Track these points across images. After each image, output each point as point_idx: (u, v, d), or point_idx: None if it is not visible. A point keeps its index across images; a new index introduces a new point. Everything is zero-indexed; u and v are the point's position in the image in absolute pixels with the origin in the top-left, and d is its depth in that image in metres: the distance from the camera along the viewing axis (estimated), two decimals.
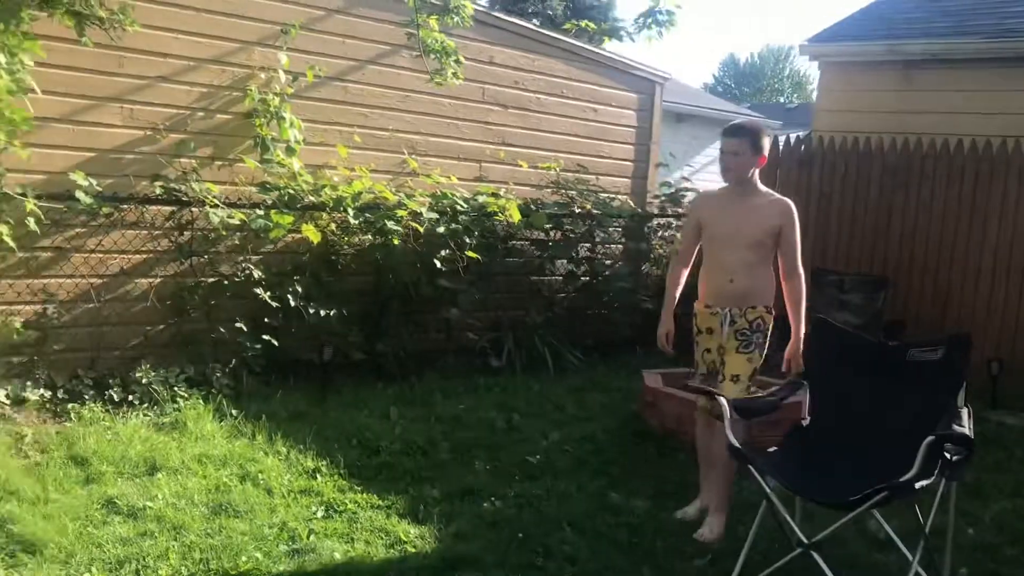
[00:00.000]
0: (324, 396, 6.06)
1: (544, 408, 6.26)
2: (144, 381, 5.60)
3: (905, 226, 7.96)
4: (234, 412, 5.48)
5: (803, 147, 8.63)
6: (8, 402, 5.17)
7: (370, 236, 6.64)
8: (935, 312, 7.73)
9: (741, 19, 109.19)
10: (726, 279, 4.36)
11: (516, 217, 6.97)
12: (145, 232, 5.93)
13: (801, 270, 4.37)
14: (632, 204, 8.62)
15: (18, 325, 5.39)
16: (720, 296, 4.39)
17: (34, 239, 5.35)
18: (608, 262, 8.38)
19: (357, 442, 5.25)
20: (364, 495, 4.50)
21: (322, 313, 6.18)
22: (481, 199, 7.17)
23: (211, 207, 5.77)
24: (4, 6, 4.24)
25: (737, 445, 3.64)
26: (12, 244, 5.01)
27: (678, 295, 4.61)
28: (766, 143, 4.30)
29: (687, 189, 8.78)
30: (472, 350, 7.27)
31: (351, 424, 5.53)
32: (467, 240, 6.78)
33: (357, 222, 6.46)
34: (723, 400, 3.82)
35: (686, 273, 4.64)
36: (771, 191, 4.46)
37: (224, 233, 6.00)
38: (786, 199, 4.38)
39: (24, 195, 4.87)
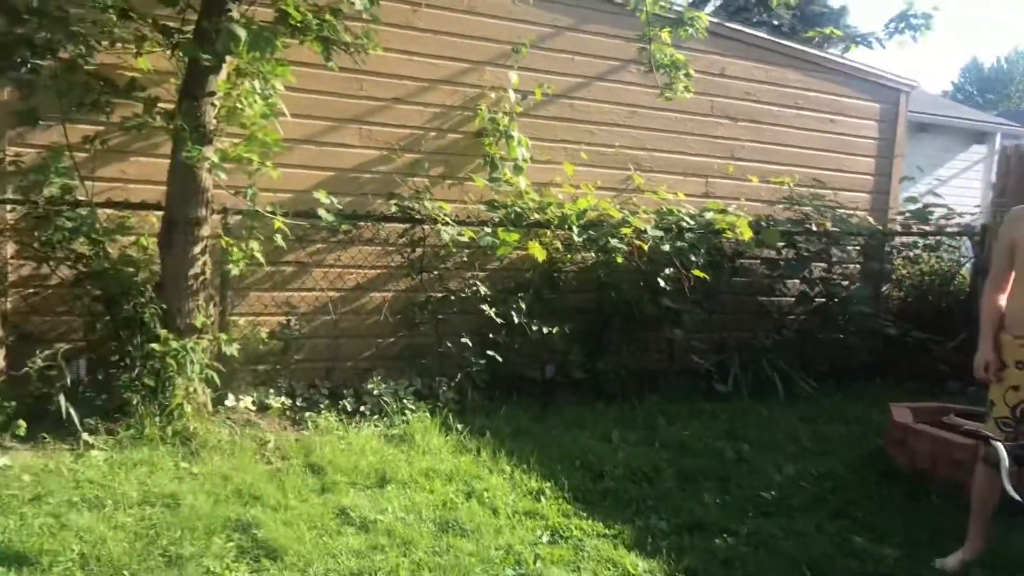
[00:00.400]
0: (545, 414, 6.01)
1: (776, 438, 5.90)
2: (375, 393, 5.77)
3: None
4: (459, 427, 5.53)
5: None
6: (254, 408, 5.48)
7: (593, 254, 6.56)
8: None
9: (983, 21, 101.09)
10: None
11: (747, 234, 6.65)
12: (379, 248, 6.15)
13: None
14: (872, 221, 8.01)
15: (264, 335, 5.71)
16: None
17: (280, 254, 5.66)
18: (844, 283, 7.84)
19: (580, 464, 5.14)
20: (589, 522, 4.36)
21: (545, 330, 6.15)
22: (708, 216, 6.90)
23: (442, 225, 5.87)
24: (261, 36, 4.48)
25: (1016, 497, 3.20)
26: (262, 259, 5.30)
27: (998, 321, 4.16)
28: None
29: (935, 205, 8.07)
30: (695, 372, 7.00)
31: (573, 445, 5.43)
32: (693, 258, 6.53)
33: (581, 239, 6.38)
34: (999, 445, 3.38)
35: (1003, 299, 4.16)
36: None
37: (454, 250, 6.11)
38: None
39: (274, 213, 5.15)
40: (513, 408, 5.98)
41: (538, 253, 6.02)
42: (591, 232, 6.43)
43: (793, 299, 7.56)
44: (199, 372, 5.04)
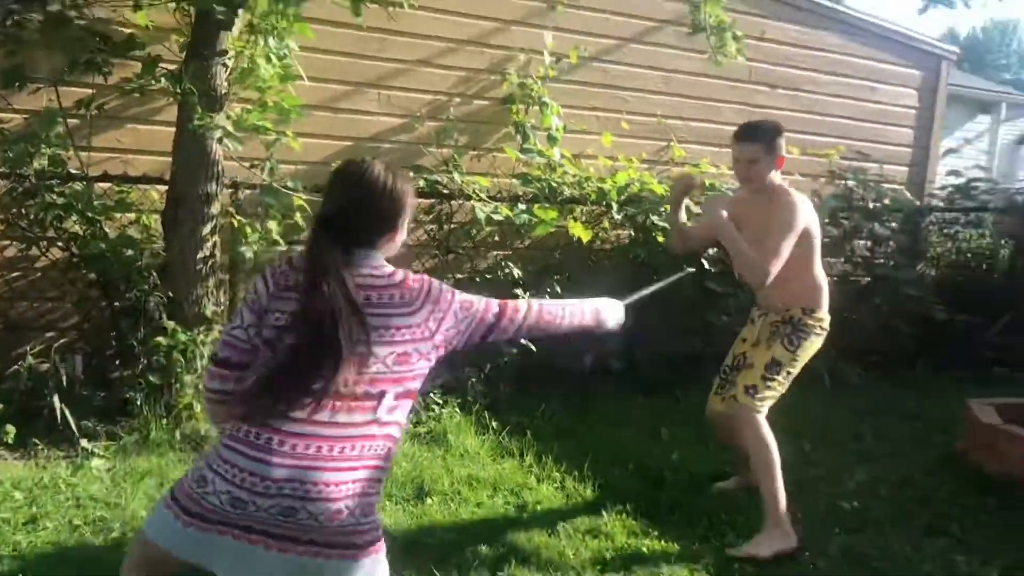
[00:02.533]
0: (586, 410, 5.52)
1: (838, 436, 5.44)
2: None
3: None
4: (495, 424, 5.03)
5: None
6: None
7: (631, 231, 6.02)
8: None
9: None
10: None
11: None
12: None
13: None
14: (908, 196, 7.53)
15: None
16: None
17: (297, 232, 5.05)
18: (885, 263, 7.36)
19: (635, 469, 4.65)
20: (661, 542, 3.88)
21: None
22: None
23: (476, 201, 5.30)
24: None
25: None
26: (280, 240, 4.72)
27: None
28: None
29: (980, 179, 7.61)
30: None
31: (621, 446, 4.94)
32: None
33: (619, 217, 5.84)
34: None
35: None
36: None
37: (486, 228, 5.53)
38: None
39: (295, 189, 4.56)
40: (551, 403, 5.46)
41: (581, 233, 5.47)
42: (628, 209, 5.89)
43: (836, 279, 7.07)
44: None
